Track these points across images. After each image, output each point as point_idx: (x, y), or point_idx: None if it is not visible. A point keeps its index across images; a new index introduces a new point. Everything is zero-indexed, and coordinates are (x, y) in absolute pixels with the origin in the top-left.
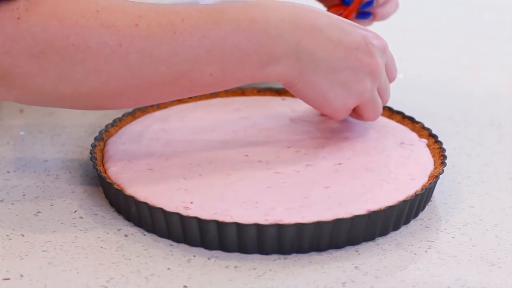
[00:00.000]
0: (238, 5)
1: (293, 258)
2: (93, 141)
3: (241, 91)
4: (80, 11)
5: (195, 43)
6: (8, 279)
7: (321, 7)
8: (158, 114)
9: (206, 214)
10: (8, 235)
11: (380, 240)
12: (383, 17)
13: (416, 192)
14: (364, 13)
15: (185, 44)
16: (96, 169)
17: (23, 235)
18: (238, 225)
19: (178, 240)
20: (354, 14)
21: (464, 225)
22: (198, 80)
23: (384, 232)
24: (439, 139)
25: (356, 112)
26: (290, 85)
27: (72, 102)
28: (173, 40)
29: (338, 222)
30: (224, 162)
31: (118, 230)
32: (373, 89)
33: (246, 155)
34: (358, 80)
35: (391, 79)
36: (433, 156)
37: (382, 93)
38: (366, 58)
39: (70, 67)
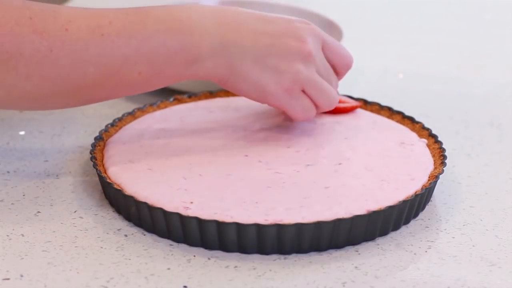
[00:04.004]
0: (162, 7)
1: (293, 258)
2: (93, 141)
3: None
4: (15, 18)
5: (122, 43)
6: (8, 279)
7: None
8: (158, 114)
9: (206, 214)
10: (8, 235)
11: (380, 240)
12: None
13: (416, 192)
14: None
15: (113, 45)
16: (96, 169)
17: (23, 235)
18: (238, 225)
19: (178, 240)
20: None
21: (464, 225)
22: (127, 80)
23: (384, 232)
24: (439, 139)
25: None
26: (223, 81)
27: (2, 105)
28: (101, 42)
29: (338, 222)
30: (224, 162)
31: (118, 230)
32: (308, 70)
33: (246, 155)
34: (288, 62)
35: (342, 62)
36: (433, 156)
37: (324, 77)
38: (294, 41)
39: (3, 74)
